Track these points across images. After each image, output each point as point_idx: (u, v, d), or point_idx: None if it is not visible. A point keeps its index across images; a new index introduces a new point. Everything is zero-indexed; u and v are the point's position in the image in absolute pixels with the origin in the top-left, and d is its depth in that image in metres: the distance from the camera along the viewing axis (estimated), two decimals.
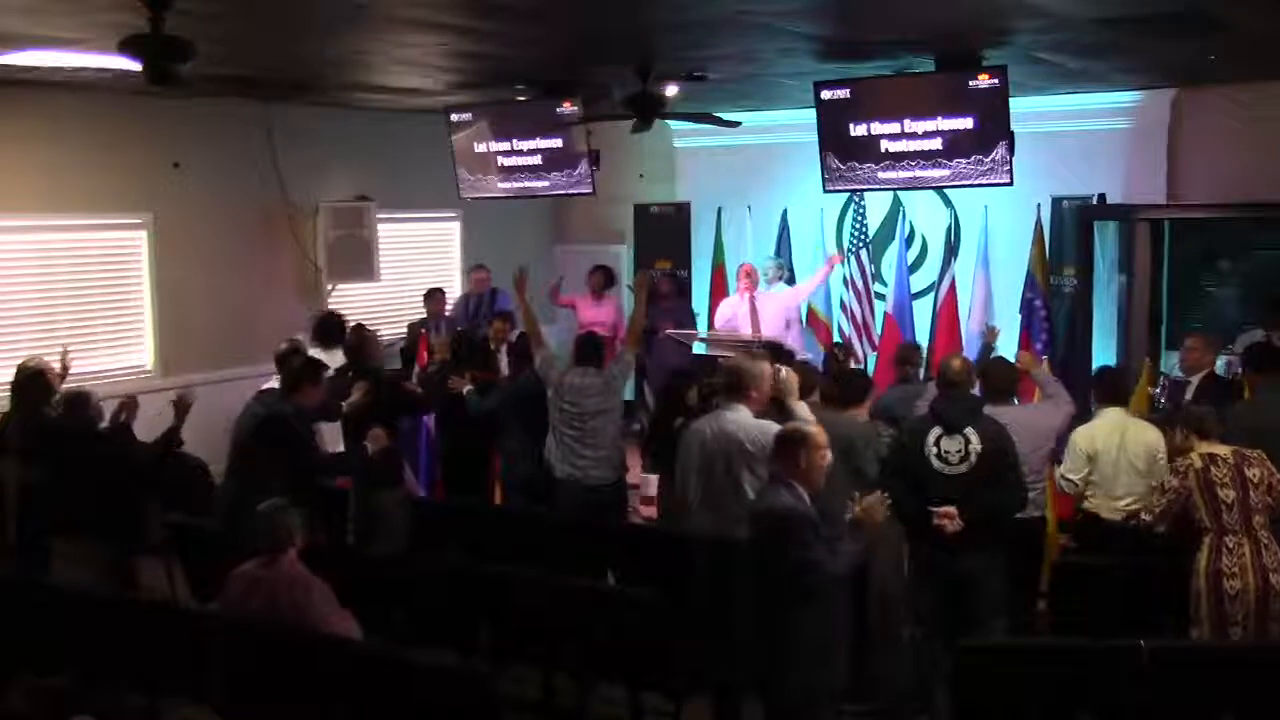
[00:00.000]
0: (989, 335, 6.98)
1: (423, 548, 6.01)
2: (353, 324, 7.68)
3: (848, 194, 9.43)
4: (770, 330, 8.68)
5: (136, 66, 5.03)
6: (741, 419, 5.10)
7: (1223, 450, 4.96)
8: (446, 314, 9.66)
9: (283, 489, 4.90)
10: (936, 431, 5.09)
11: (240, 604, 4.55)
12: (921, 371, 7.57)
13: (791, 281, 9.57)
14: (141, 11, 4.82)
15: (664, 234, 10.70)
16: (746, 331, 8.72)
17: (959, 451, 5.02)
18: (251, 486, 5.63)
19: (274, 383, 6.42)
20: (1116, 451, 5.60)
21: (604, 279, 10.04)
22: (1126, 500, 5.58)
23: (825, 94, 7.34)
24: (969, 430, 5.05)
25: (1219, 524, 4.87)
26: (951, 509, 4.92)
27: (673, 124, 9.64)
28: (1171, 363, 7.60)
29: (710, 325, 9.74)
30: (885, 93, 7.22)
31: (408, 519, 6.33)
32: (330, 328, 7.72)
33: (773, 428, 4.96)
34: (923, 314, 9.48)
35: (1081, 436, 5.71)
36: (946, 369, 5.35)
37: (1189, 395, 6.37)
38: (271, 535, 4.51)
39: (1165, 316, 8.63)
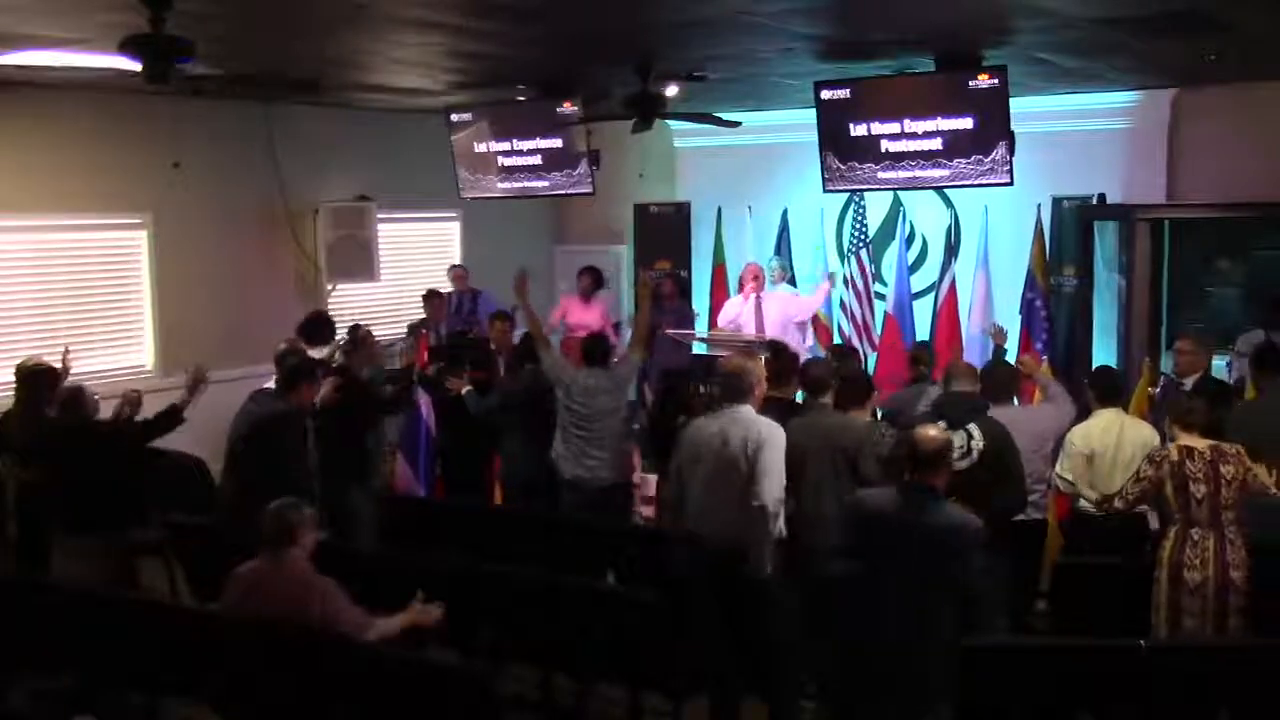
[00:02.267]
0: (997, 336, 6.95)
1: (423, 548, 6.01)
2: (357, 328, 7.64)
3: (848, 194, 9.44)
4: (773, 331, 8.67)
5: (136, 66, 5.04)
6: (748, 417, 5.02)
7: (1201, 444, 4.98)
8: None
9: (280, 488, 4.88)
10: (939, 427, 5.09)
11: (241, 603, 4.53)
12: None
13: (793, 282, 9.57)
14: (141, 11, 4.82)
15: (664, 234, 10.69)
16: (750, 331, 8.71)
17: (961, 448, 5.03)
18: (248, 486, 5.64)
19: (271, 383, 6.41)
20: (1113, 451, 5.61)
21: (592, 281, 9.94)
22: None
23: (825, 94, 7.34)
24: (971, 427, 5.08)
25: (1187, 516, 4.90)
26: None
27: (673, 124, 9.64)
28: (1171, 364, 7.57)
29: (712, 325, 9.73)
30: (885, 93, 7.22)
31: (376, 514, 6.33)
32: (318, 326, 7.68)
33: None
34: (923, 314, 9.48)
35: (1078, 436, 5.71)
36: (953, 366, 5.48)
37: None
38: (274, 532, 4.47)
39: (1165, 316, 8.63)
